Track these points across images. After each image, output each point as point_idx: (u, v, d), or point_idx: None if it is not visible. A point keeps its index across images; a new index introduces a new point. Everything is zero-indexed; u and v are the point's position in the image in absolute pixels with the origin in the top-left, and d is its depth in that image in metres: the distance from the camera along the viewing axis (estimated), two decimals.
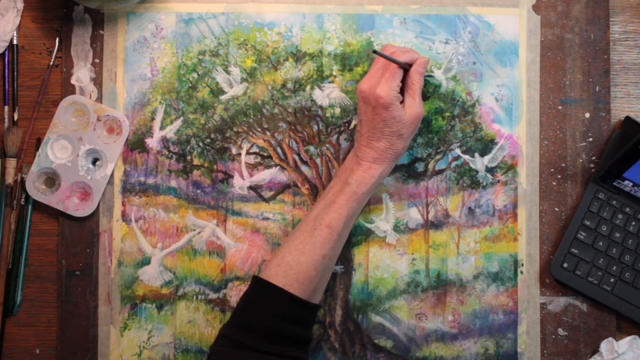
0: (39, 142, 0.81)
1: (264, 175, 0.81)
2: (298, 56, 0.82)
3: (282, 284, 0.69)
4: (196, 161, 0.81)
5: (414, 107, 0.72)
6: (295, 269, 0.70)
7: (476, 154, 0.82)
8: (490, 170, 0.82)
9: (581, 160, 0.82)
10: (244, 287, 0.81)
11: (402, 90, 0.74)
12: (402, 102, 0.73)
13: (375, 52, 0.71)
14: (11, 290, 0.80)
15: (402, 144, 0.72)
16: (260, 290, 0.70)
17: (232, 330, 0.69)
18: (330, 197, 0.73)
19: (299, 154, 0.81)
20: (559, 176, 0.82)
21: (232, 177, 0.81)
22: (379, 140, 0.72)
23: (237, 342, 0.68)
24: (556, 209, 0.82)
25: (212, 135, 0.81)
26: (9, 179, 0.80)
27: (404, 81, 0.74)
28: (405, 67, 0.73)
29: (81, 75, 0.81)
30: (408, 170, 0.82)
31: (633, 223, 0.80)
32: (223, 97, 0.81)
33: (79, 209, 0.80)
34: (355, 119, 0.81)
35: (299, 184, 0.81)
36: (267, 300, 0.69)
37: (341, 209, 0.72)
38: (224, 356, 0.68)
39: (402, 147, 0.73)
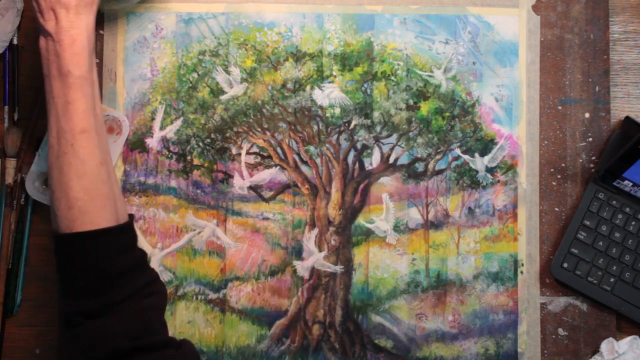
0: (39, 142, 0.81)
1: (264, 175, 0.81)
2: (298, 56, 0.82)
3: (83, 224, 0.59)
4: (196, 161, 0.81)
5: None
6: (87, 197, 0.60)
7: (476, 154, 0.82)
8: (490, 170, 0.82)
9: (581, 160, 0.82)
10: (244, 287, 0.80)
11: None
12: None
13: None
14: (11, 290, 0.80)
15: None
16: (69, 246, 0.60)
17: (73, 302, 0.60)
18: (57, 100, 0.61)
19: (299, 154, 0.81)
20: (559, 176, 0.82)
21: (232, 177, 0.81)
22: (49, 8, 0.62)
23: (87, 313, 0.59)
24: (556, 209, 0.82)
25: (212, 135, 0.81)
26: (9, 179, 0.80)
27: None
28: None
29: None
30: (408, 170, 0.82)
31: (633, 223, 0.80)
32: (223, 97, 0.81)
33: None
34: (355, 119, 0.81)
35: (299, 184, 0.81)
36: (83, 253, 0.60)
37: (80, 104, 0.61)
38: (90, 331, 0.59)
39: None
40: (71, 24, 0.63)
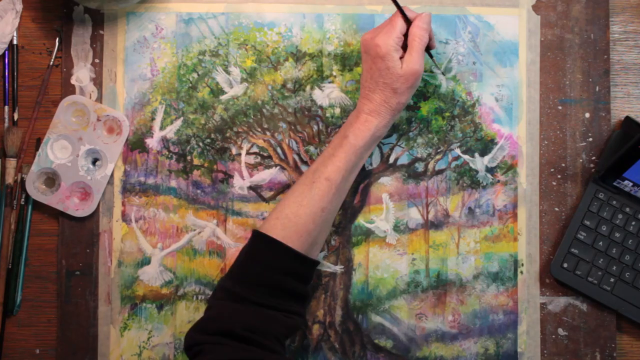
0: (39, 142, 0.81)
1: (264, 175, 0.81)
2: (298, 56, 0.82)
3: (280, 237, 0.70)
4: (196, 161, 0.81)
5: (410, 63, 0.71)
6: (293, 222, 0.70)
7: (476, 154, 0.82)
8: (490, 170, 0.82)
9: (581, 160, 0.82)
10: None
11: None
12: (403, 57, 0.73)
13: None
14: (11, 290, 0.80)
15: (396, 98, 0.72)
16: (259, 243, 0.71)
17: (230, 283, 0.70)
18: (329, 150, 0.73)
19: (299, 154, 0.81)
20: (559, 176, 0.82)
21: (232, 177, 0.81)
22: (374, 91, 0.72)
23: (236, 295, 0.68)
24: (556, 209, 0.82)
25: (212, 135, 0.81)
26: (9, 179, 0.80)
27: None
28: (410, 21, 0.73)
29: (81, 75, 0.81)
30: (408, 170, 0.82)
31: (633, 223, 0.80)
32: (223, 97, 0.81)
33: (79, 209, 0.80)
34: None
35: None
36: (265, 253, 0.70)
37: (340, 162, 0.72)
38: (222, 309, 0.69)
39: (396, 102, 0.72)
40: (372, 115, 0.73)
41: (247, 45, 0.82)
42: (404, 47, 0.73)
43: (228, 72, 0.82)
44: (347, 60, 0.82)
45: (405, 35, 0.73)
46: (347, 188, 0.75)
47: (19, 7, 0.81)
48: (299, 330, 0.76)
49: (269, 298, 0.69)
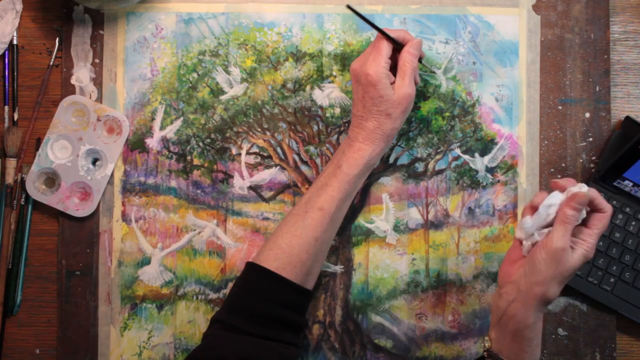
0: (39, 142, 0.81)
1: (264, 175, 0.81)
2: (298, 56, 0.82)
3: (274, 268, 0.69)
4: (196, 161, 0.81)
5: (402, 88, 0.72)
6: (287, 252, 0.70)
7: (476, 154, 0.82)
8: (490, 170, 0.82)
9: (581, 160, 0.82)
10: None
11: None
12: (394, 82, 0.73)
13: (348, 6, 0.71)
14: (11, 290, 0.80)
15: (390, 124, 0.72)
16: (253, 274, 0.71)
17: (225, 315, 0.69)
18: (322, 180, 0.73)
19: (299, 154, 0.81)
20: (559, 176, 0.82)
21: (232, 177, 0.81)
22: (368, 119, 0.72)
23: (231, 326, 0.68)
24: None
25: (212, 135, 0.81)
26: (9, 179, 0.80)
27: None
28: (397, 45, 0.73)
29: (81, 75, 0.81)
30: (408, 170, 0.82)
31: (633, 223, 0.80)
32: (223, 97, 0.81)
33: (79, 209, 0.80)
34: None
35: (299, 184, 0.81)
36: (259, 284, 0.70)
37: (333, 192, 0.71)
38: (218, 338, 0.68)
39: (390, 127, 0.72)
40: (366, 143, 0.73)
41: (247, 45, 0.82)
42: (392, 69, 0.73)
43: (228, 72, 0.82)
44: (347, 60, 0.82)
45: (392, 58, 0.73)
46: (341, 217, 0.74)
47: (19, 7, 0.81)
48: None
49: (264, 329, 0.68)
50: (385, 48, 0.72)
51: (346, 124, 0.81)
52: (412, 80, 0.72)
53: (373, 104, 0.71)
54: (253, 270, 0.71)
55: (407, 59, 0.72)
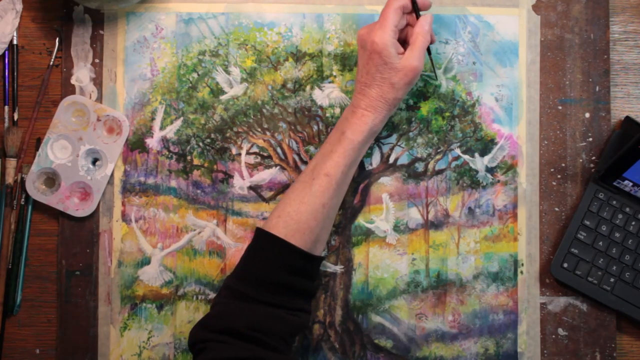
0: (39, 142, 0.81)
1: (264, 175, 0.81)
2: (298, 56, 0.82)
3: (283, 235, 0.70)
4: (196, 161, 0.81)
5: (409, 59, 0.72)
6: (295, 219, 0.70)
7: (476, 154, 0.82)
8: (490, 170, 0.82)
9: (581, 160, 0.82)
10: None
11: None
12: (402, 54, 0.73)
13: None
14: (11, 290, 0.80)
15: (393, 93, 0.72)
16: (262, 241, 0.71)
17: (236, 282, 0.70)
18: (327, 147, 0.73)
19: (299, 154, 0.81)
20: (559, 176, 0.82)
21: (232, 177, 0.81)
22: (371, 86, 0.72)
23: (241, 294, 0.69)
24: (556, 209, 0.82)
25: (212, 135, 0.81)
26: (9, 179, 0.80)
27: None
28: (415, 8, 0.73)
29: (81, 75, 0.81)
30: (408, 170, 0.82)
31: (633, 223, 0.80)
32: (223, 97, 0.81)
33: (79, 209, 0.80)
34: None
35: None
36: (268, 252, 0.70)
37: (339, 158, 0.72)
38: (227, 306, 0.69)
39: (393, 97, 0.72)
40: (368, 110, 0.73)
41: (247, 45, 0.82)
42: (403, 43, 0.73)
43: (228, 72, 0.82)
44: (347, 60, 0.82)
45: (403, 31, 0.73)
46: (347, 183, 0.75)
47: (19, 7, 0.81)
48: (305, 329, 0.76)
49: (273, 296, 0.69)
50: (394, 17, 0.72)
51: None
52: (422, 55, 0.72)
53: (377, 71, 0.72)
54: (263, 237, 0.71)
55: (420, 32, 0.73)
